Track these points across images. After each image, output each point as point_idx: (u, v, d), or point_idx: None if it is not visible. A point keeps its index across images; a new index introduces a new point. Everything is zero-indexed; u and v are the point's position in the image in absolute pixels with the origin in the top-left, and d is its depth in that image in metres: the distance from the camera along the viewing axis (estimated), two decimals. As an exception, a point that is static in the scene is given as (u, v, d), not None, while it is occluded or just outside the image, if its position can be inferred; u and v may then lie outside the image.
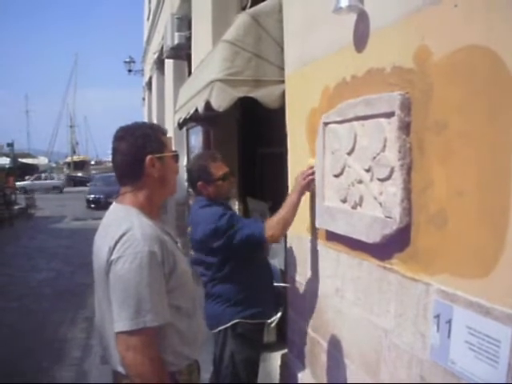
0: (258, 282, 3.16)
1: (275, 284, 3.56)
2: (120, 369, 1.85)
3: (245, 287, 3.05)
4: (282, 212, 2.96)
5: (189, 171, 3.26)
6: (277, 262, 4.61)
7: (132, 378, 1.76)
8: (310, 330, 3.29)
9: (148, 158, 1.91)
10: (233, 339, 3.05)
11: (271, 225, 2.92)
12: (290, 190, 3.27)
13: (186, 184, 8.50)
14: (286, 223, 2.96)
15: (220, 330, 3.07)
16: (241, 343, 3.06)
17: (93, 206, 21.20)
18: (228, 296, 3.05)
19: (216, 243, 2.92)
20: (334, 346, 2.90)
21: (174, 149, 2.09)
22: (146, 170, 1.92)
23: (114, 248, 1.77)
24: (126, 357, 1.74)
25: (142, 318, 1.71)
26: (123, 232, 1.78)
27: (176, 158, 2.08)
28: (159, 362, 1.77)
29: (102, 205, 18.98)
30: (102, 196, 20.74)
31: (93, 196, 22.07)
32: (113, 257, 1.76)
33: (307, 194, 3.08)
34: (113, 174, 2.16)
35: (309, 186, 3.02)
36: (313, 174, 3.00)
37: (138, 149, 1.91)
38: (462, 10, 1.78)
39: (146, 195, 1.95)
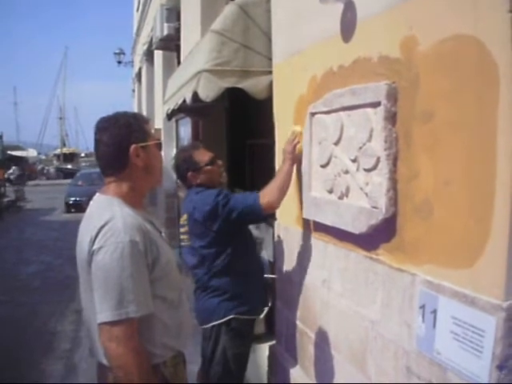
0: (253, 276, 3.16)
1: (264, 276, 3.56)
2: (104, 361, 1.84)
3: (241, 281, 3.04)
4: (276, 180, 2.93)
5: (176, 167, 3.23)
6: (265, 253, 4.60)
7: (115, 370, 1.75)
8: (297, 321, 3.29)
9: (132, 147, 1.90)
10: (226, 335, 3.02)
11: (265, 192, 2.89)
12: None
13: (176, 175, 8.53)
14: (282, 191, 2.90)
15: (213, 326, 3.03)
16: (233, 339, 3.04)
17: (73, 210, 17.58)
18: (225, 289, 3.02)
19: (216, 224, 2.89)
20: (322, 337, 2.90)
21: (162, 138, 2.09)
22: (130, 159, 1.91)
23: (95, 238, 1.76)
24: (108, 348, 1.73)
25: (124, 308, 1.71)
26: (105, 222, 1.78)
27: (159, 146, 2.07)
28: (142, 353, 1.76)
29: (84, 208, 14.72)
30: (83, 198, 16.26)
31: (73, 199, 18.26)
32: (94, 247, 1.75)
33: (294, 185, 3.07)
34: (95, 170, 2.15)
35: (295, 152, 2.95)
36: (298, 140, 2.95)
37: (122, 139, 1.90)
38: (448, 0, 1.76)
39: (130, 185, 1.94)
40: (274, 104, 3.57)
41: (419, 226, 1.96)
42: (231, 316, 3.01)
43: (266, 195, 2.88)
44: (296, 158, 2.97)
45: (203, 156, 3.13)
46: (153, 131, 2.07)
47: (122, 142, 1.90)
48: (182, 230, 3.17)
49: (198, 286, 3.13)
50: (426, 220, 1.92)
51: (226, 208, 2.88)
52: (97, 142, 1.95)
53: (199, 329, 3.07)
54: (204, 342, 3.12)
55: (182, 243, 3.18)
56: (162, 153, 2.13)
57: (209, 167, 3.11)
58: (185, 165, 3.13)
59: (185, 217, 3.13)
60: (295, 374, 3.32)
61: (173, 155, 8.34)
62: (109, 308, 1.71)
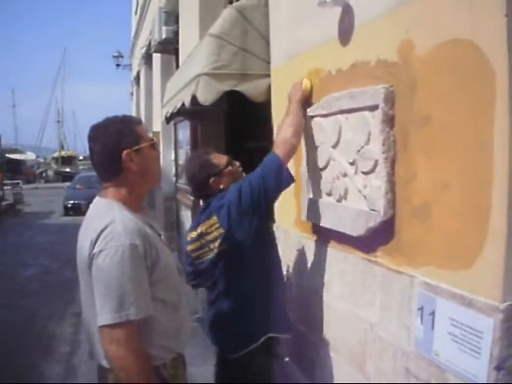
0: (275, 290, 2.82)
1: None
2: (104, 363, 1.85)
3: (265, 296, 2.73)
4: (283, 125, 2.75)
5: (192, 176, 2.89)
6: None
7: (116, 372, 1.77)
8: (297, 324, 3.29)
9: (124, 153, 1.90)
10: (263, 358, 2.75)
11: (277, 140, 2.72)
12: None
13: (174, 179, 8.53)
14: (296, 129, 2.71)
15: (246, 353, 2.68)
16: (266, 360, 2.81)
17: (71, 213, 17.32)
18: (252, 309, 2.69)
19: (249, 213, 2.61)
20: (321, 339, 2.90)
21: (160, 142, 2.09)
22: (124, 165, 1.91)
23: (95, 242, 1.77)
24: (109, 350, 1.74)
25: (125, 311, 1.72)
26: (105, 226, 1.79)
27: (154, 145, 2.06)
28: (143, 355, 1.78)
29: (82, 211, 12.90)
30: (82, 201, 16.17)
31: (71, 202, 18.09)
32: (95, 250, 1.77)
33: (293, 188, 3.08)
34: (93, 173, 2.15)
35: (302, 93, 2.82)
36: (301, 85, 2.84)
37: (114, 146, 1.90)
38: (445, 4, 1.78)
39: (128, 189, 1.95)
40: (272, 107, 3.59)
41: (417, 229, 1.97)
42: (269, 335, 2.72)
43: (278, 143, 2.70)
44: (302, 98, 2.83)
45: (221, 159, 2.89)
46: (150, 134, 2.07)
47: (113, 150, 1.90)
48: (207, 237, 2.72)
49: (221, 307, 2.77)
50: (423, 222, 1.93)
51: (252, 185, 2.65)
52: (90, 150, 1.97)
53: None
54: (226, 371, 2.82)
55: (210, 254, 2.71)
56: (160, 154, 2.12)
57: (230, 168, 2.87)
58: (204, 171, 2.81)
59: (213, 220, 2.71)
60: (295, 375, 3.33)
61: (172, 158, 8.36)
62: (109, 311, 1.73)
